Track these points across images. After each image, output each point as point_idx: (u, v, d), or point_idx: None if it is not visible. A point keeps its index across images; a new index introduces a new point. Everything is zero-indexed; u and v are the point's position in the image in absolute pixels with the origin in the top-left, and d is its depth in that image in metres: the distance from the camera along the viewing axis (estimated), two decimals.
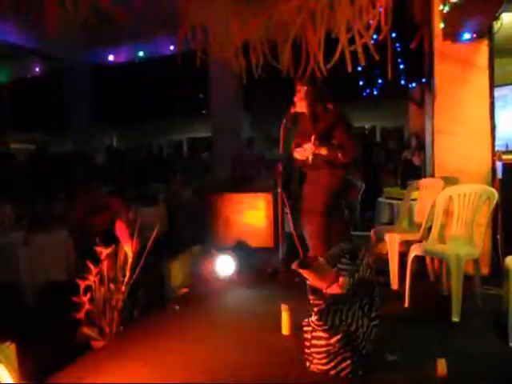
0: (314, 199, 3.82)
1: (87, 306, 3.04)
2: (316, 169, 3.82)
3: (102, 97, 11.48)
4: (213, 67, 6.88)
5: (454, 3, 3.31)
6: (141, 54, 10.51)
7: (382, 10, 4.39)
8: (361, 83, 6.41)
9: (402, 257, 3.87)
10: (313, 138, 3.68)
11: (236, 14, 5.23)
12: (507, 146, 4.86)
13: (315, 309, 2.55)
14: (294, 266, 2.59)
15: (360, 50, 4.58)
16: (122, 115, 12.71)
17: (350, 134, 3.77)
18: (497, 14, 3.81)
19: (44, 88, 11.84)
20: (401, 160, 7.73)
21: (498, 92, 4.46)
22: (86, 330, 3.05)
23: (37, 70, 11.86)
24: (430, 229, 3.81)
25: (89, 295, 3.05)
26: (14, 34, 8.46)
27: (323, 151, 3.69)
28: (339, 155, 3.67)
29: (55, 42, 8.35)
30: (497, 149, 4.33)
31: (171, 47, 8.70)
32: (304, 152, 3.79)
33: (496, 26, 3.98)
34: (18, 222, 4.63)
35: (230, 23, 5.27)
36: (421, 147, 7.14)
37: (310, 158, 3.78)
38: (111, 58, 10.73)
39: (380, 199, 5.60)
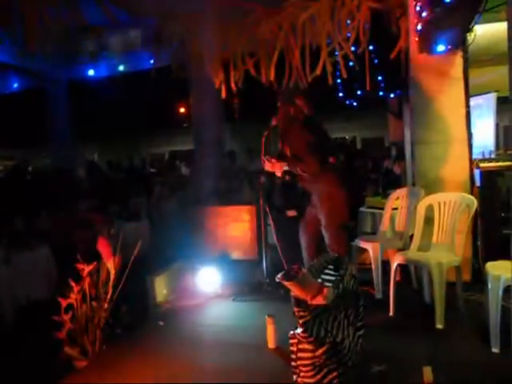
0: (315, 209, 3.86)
1: (69, 325, 2.98)
2: (308, 181, 3.86)
3: (82, 112, 11.38)
4: (193, 80, 6.89)
5: (429, 16, 3.39)
6: (121, 68, 10.47)
7: (360, 23, 4.50)
8: (340, 95, 6.48)
9: (386, 265, 3.90)
10: (268, 158, 3.86)
11: (218, 31, 5.28)
12: (484, 153, 4.95)
13: (300, 321, 2.54)
14: (278, 277, 2.58)
15: (341, 61, 4.67)
16: (103, 130, 12.63)
17: (313, 147, 3.75)
18: (470, 26, 3.91)
19: (23, 104, 11.70)
20: (382, 169, 7.82)
21: (473, 101, 4.55)
22: (68, 350, 2.99)
23: (15, 85, 11.70)
24: (411, 237, 3.86)
25: (70, 314, 2.99)
26: None
27: (283, 166, 3.80)
28: (298, 169, 3.73)
29: (34, 57, 8.28)
30: (474, 157, 4.42)
31: (151, 61, 8.70)
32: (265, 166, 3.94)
33: (470, 37, 4.08)
34: None
35: (209, 37, 5.31)
36: (401, 156, 7.23)
37: (279, 172, 3.87)
38: (91, 72, 10.66)
39: (362, 209, 5.65)
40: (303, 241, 4.00)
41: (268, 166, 3.93)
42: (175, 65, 5.50)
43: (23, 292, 4.09)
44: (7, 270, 3.96)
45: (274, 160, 3.89)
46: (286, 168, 3.86)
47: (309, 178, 3.79)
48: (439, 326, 3.23)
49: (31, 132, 12.33)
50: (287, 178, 3.98)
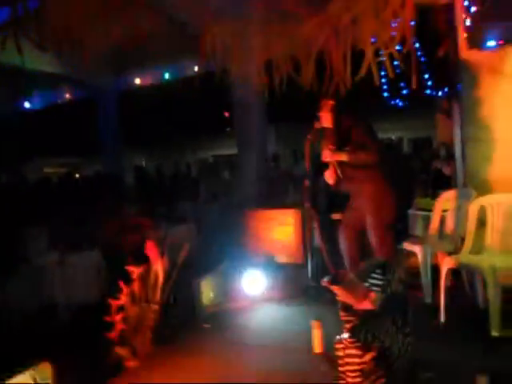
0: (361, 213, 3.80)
1: (120, 326, 3.08)
2: (354, 182, 3.81)
3: (130, 119, 11.76)
4: (235, 84, 6.97)
5: (478, 10, 3.27)
6: (166, 76, 10.73)
7: (405, 21, 4.39)
8: (386, 95, 6.38)
9: (435, 269, 3.78)
10: (329, 146, 3.73)
11: (258, 31, 5.32)
12: None
13: (347, 325, 2.51)
14: (324, 282, 2.56)
15: (387, 61, 4.58)
16: (150, 136, 12.98)
17: (371, 136, 3.73)
18: None
19: (74, 114, 12.22)
20: (431, 170, 7.59)
21: None
22: (119, 350, 3.08)
23: (67, 96, 12.24)
24: (462, 240, 3.72)
25: (121, 315, 3.09)
26: (49, 64, 8.79)
27: (343, 157, 3.70)
28: (362, 156, 3.65)
29: (86, 69, 8.64)
30: None
31: (195, 68, 8.85)
32: (325, 159, 3.85)
33: None
34: (53, 244, 4.74)
35: (252, 41, 5.36)
36: (450, 157, 7.01)
37: (338, 172, 3.79)
38: (138, 81, 11.00)
39: (411, 210, 5.50)
40: (343, 244, 3.96)
41: (327, 155, 3.88)
42: (219, 69, 5.57)
43: (76, 293, 4.25)
44: (61, 271, 4.14)
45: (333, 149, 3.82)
46: (345, 159, 3.80)
47: (357, 177, 3.74)
48: (495, 333, 3.08)
49: (83, 141, 12.86)
50: (338, 175, 3.88)
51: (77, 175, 13.32)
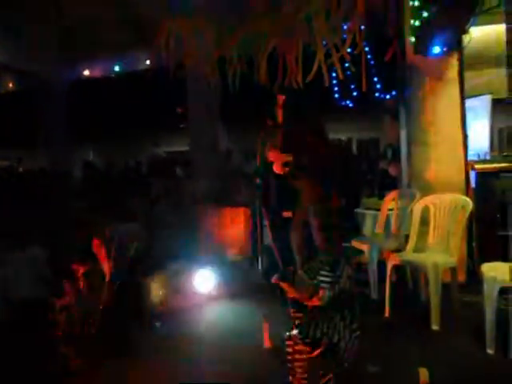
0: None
1: (63, 325, 2.97)
2: (299, 182, 3.85)
3: (77, 112, 11.36)
4: (189, 80, 6.88)
5: (425, 18, 3.39)
6: (117, 68, 10.46)
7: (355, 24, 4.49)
8: (336, 96, 6.50)
9: (382, 266, 3.90)
10: (273, 147, 3.79)
11: (212, 28, 5.27)
12: (479, 155, 4.98)
13: (296, 322, 2.54)
14: (273, 279, 2.58)
15: (337, 63, 4.66)
16: (99, 130, 12.58)
17: (321, 137, 3.79)
18: (466, 28, 3.92)
19: (18, 104, 11.66)
20: (378, 171, 7.83)
21: (468, 103, 4.57)
22: (64, 350, 2.97)
23: (10, 85, 11.68)
24: (407, 238, 3.86)
25: (65, 314, 2.98)
26: None
27: (287, 159, 3.76)
28: (305, 161, 3.72)
29: (29, 57, 8.25)
30: (469, 158, 4.44)
31: (147, 61, 8.68)
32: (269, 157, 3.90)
33: (465, 39, 4.09)
34: None
35: (205, 36, 5.30)
36: (396, 158, 7.25)
37: (286, 168, 3.83)
38: (87, 72, 10.65)
39: (358, 209, 5.65)
40: (294, 242, 4.01)
41: (272, 157, 3.91)
42: (173, 64, 5.48)
43: (16, 292, 4.05)
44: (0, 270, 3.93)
45: (278, 151, 3.87)
46: (288, 160, 3.83)
47: (301, 177, 3.79)
48: (435, 327, 3.23)
49: (27, 133, 12.26)
50: (286, 171, 3.92)
51: (20, 169, 12.69)
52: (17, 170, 12.12)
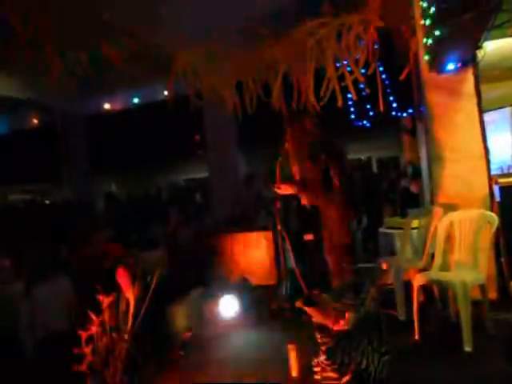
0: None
1: (90, 358, 2.97)
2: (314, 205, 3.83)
3: (99, 144, 11.62)
4: (206, 107, 6.99)
5: (438, 36, 3.40)
6: (136, 100, 10.70)
7: (368, 45, 4.53)
8: (352, 116, 6.52)
9: (408, 286, 3.82)
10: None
11: (227, 55, 5.39)
12: (502, 169, 4.89)
13: (323, 347, 2.49)
14: (298, 303, 2.55)
15: (350, 84, 4.69)
16: (120, 161, 12.84)
17: (337, 161, 3.76)
18: (479, 44, 3.91)
19: (42, 138, 11.99)
20: (399, 189, 7.75)
21: (488, 117, 4.52)
22: (90, 383, 2.96)
23: (34, 121, 12.03)
24: (433, 256, 3.78)
25: (91, 346, 2.98)
26: (12, 87, 8.63)
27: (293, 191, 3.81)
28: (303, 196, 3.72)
29: (52, 93, 8.52)
30: (492, 172, 4.36)
31: (165, 92, 8.87)
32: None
33: (480, 54, 4.07)
34: (18, 273, 4.58)
35: (222, 64, 5.42)
36: (417, 175, 7.18)
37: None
38: (107, 106, 10.92)
39: (381, 229, 5.58)
40: (331, 265, 3.91)
41: (281, 192, 3.93)
42: (192, 94, 5.59)
43: (43, 324, 4.09)
44: (27, 302, 3.98)
45: (283, 185, 3.88)
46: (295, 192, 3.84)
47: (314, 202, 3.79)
48: (468, 348, 3.12)
49: (50, 166, 12.58)
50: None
51: (46, 201, 12.97)
52: (41, 202, 12.39)
